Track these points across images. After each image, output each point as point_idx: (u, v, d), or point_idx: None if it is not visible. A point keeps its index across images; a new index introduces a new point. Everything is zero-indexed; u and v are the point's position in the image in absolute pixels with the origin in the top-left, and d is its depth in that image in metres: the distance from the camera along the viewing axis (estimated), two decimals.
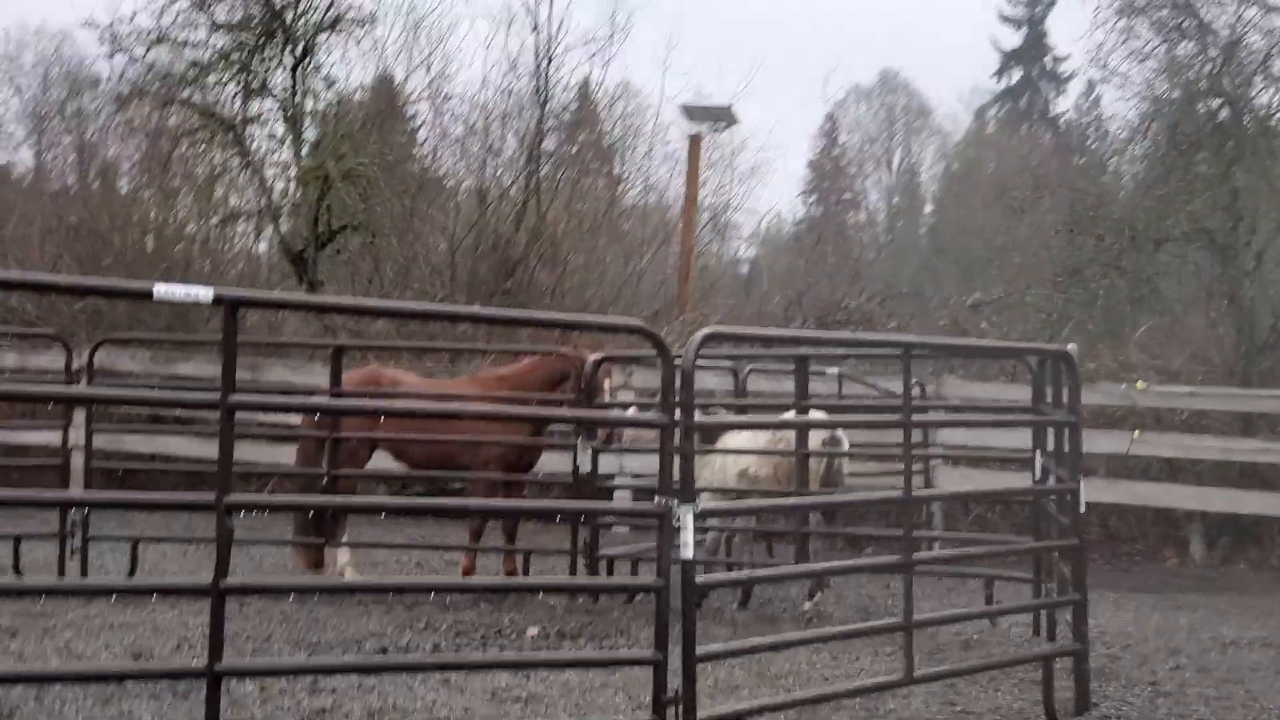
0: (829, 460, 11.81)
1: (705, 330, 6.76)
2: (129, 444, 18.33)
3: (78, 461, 13.99)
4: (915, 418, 9.73)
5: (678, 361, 6.56)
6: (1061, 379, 9.34)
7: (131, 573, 12.51)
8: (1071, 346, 8.52)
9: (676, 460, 6.51)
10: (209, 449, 18.40)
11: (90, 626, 10.19)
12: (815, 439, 11.74)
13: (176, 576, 12.92)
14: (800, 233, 51.02)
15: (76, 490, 13.16)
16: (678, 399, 6.49)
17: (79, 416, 14.15)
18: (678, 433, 6.52)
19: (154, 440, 18.57)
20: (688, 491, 6.45)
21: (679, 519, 6.40)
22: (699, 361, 6.73)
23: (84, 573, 12.27)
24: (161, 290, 5.54)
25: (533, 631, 10.68)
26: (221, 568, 5.68)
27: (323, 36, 22.43)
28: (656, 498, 6.51)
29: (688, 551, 6.44)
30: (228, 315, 5.66)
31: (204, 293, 5.62)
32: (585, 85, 28.42)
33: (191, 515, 16.77)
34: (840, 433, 11.89)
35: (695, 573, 6.54)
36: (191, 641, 9.77)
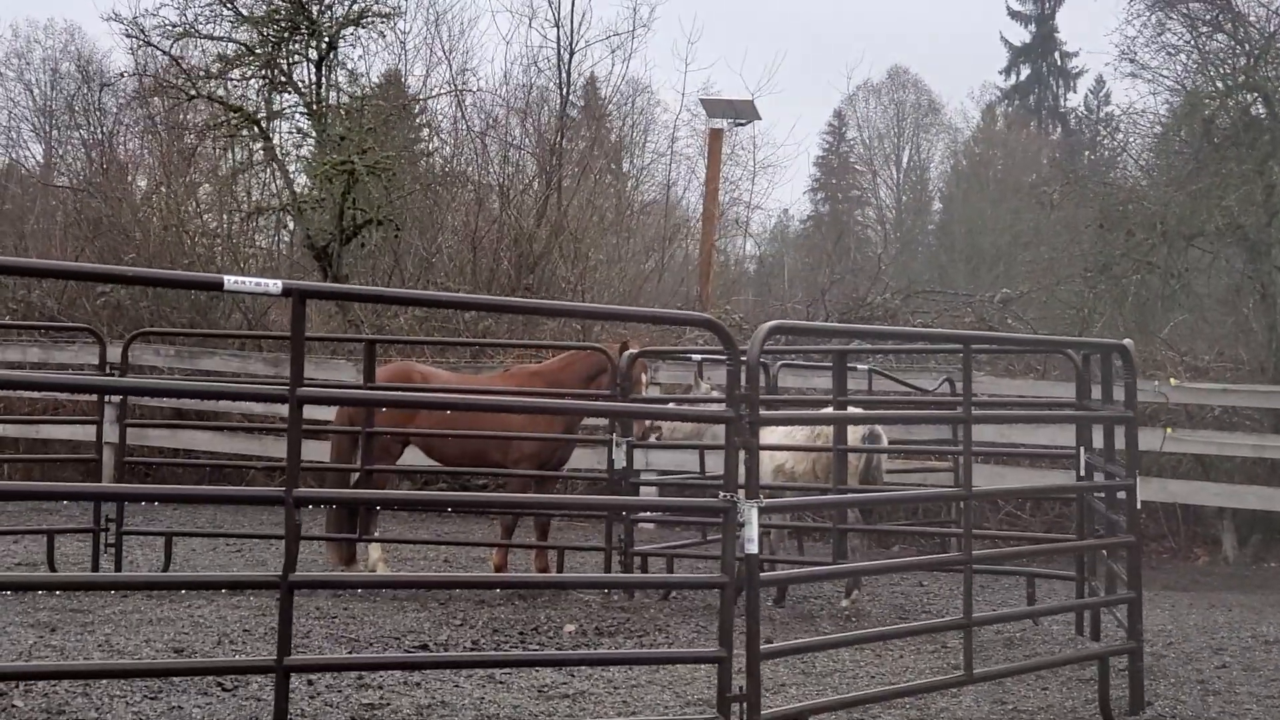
0: (868, 457, 11.76)
1: (770, 323, 6.69)
2: (152, 439, 18.35)
3: (107, 456, 13.97)
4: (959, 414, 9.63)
5: (743, 356, 6.47)
6: (1112, 373, 9.26)
7: (165, 567, 12.46)
8: (1128, 341, 8.44)
9: (741, 455, 6.43)
10: (230, 444, 18.43)
11: (129, 621, 10.13)
12: (854, 435, 11.68)
13: (209, 571, 12.89)
14: (809, 229, 51.02)
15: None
16: (743, 392, 6.40)
17: (109, 411, 14.10)
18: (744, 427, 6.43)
19: (177, 435, 18.55)
20: (753, 487, 6.37)
21: (744, 514, 6.33)
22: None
23: (118, 567, 12.23)
24: (232, 282, 5.48)
25: (570, 628, 10.61)
26: (290, 561, 5.61)
27: (347, 31, 22.40)
28: (721, 493, 6.44)
29: (752, 547, 6.36)
30: (296, 306, 5.59)
31: (273, 285, 5.56)
32: (605, 81, 28.43)
33: (218, 510, 16.84)
34: (880, 429, 11.83)
35: (759, 568, 6.47)
36: (231, 637, 9.72)
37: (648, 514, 14.45)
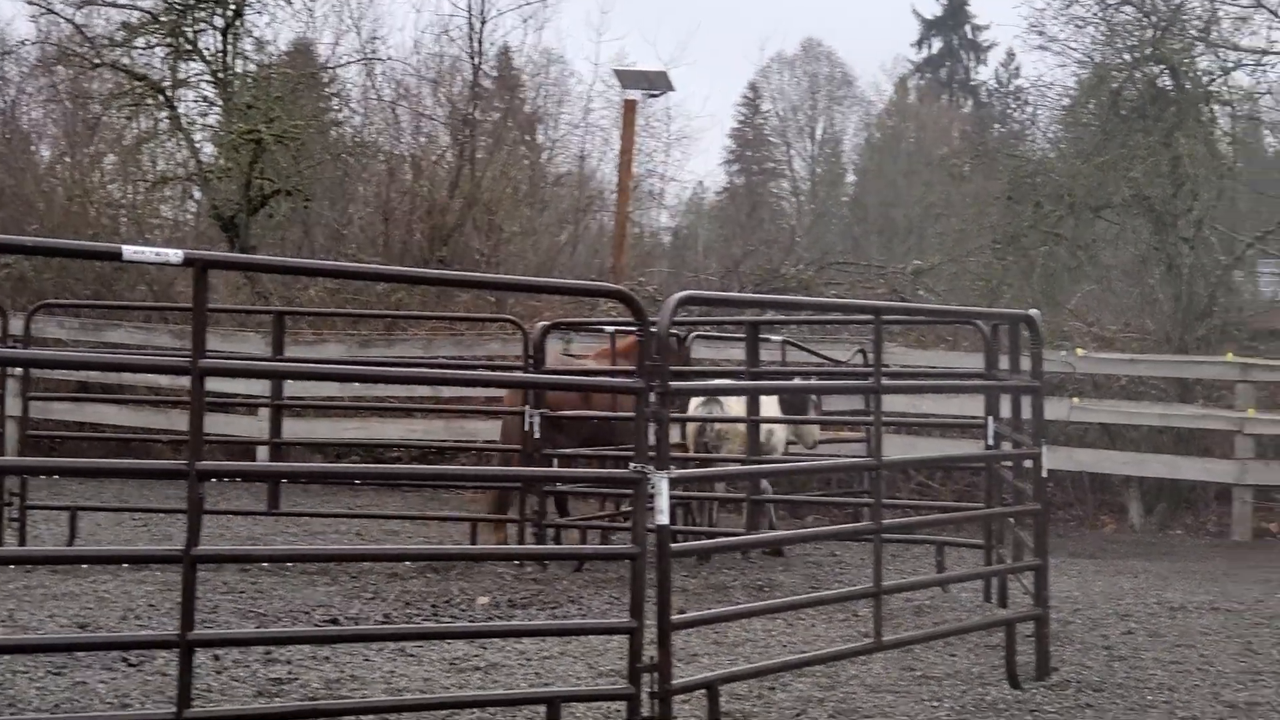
0: (703, 426, 11.78)
1: (681, 294, 6.68)
2: (56, 412, 18.06)
3: (10, 430, 13.72)
4: (870, 384, 9.68)
5: (653, 327, 6.44)
6: (1019, 344, 9.34)
7: (70, 542, 12.25)
8: (1034, 311, 8.52)
9: (651, 426, 6.41)
10: (136, 418, 18.18)
11: (33, 597, 9.98)
12: (693, 406, 11.78)
13: (113, 545, 12.70)
14: (723, 202, 51.07)
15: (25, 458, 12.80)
16: (653, 363, 6.37)
17: (12, 384, 13.83)
18: (653, 397, 6.40)
19: (82, 409, 18.27)
20: (663, 458, 6.35)
21: (654, 485, 6.31)
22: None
23: (21, 542, 12.03)
24: (131, 252, 5.36)
25: (483, 600, 10.57)
26: (193, 535, 5.52)
27: None
28: (631, 464, 6.41)
29: (663, 518, 6.35)
30: (198, 277, 5.49)
31: (174, 254, 5.45)
32: (518, 50, 28.25)
33: (124, 484, 16.59)
34: (721, 398, 11.91)
35: (671, 539, 6.46)
36: (137, 612, 9.61)
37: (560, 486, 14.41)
